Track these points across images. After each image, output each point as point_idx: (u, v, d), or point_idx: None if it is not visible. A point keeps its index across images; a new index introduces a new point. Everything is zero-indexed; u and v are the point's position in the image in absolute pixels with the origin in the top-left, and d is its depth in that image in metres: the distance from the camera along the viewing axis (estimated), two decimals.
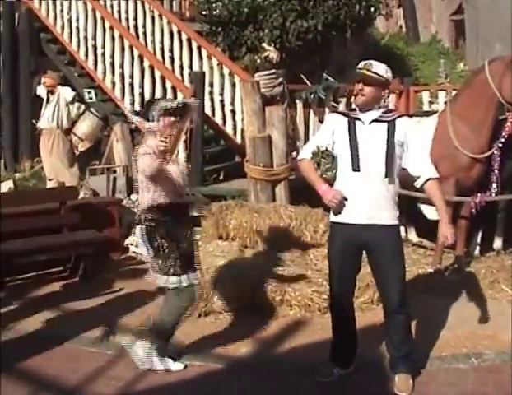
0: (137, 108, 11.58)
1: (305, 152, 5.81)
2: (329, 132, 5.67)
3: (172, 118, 5.85)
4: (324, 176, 5.79)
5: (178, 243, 5.95)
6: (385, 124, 5.50)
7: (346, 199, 5.51)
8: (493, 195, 8.30)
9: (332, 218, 5.70)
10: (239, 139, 11.34)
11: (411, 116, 7.01)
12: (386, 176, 5.47)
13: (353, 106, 5.73)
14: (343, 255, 5.60)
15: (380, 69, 5.52)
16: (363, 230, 5.50)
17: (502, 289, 7.89)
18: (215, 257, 7.72)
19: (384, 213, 5.50)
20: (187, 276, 5.98)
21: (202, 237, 8.52)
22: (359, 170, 5.48)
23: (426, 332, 6.79)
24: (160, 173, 5.73)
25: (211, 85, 11.76)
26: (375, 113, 5.53)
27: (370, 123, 5.52)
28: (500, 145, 8.11)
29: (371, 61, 5.58)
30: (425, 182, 5.61)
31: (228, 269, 7.51)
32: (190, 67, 12.26)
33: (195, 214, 7.70)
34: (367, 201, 5.48)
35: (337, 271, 5.72)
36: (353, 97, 5.67)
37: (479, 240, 9.09)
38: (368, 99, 5.55)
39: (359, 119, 5.55)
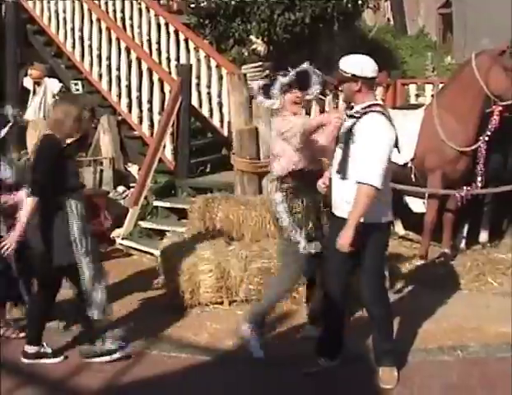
0: (124, 100, 11.54)
1: None
2: None
3: (294, 92, 6.04)
4: None
5: (311, 209, 6.11)
6: (353, 120, 5.45)
7: None
8: (479, 188, 8.30)
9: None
10: (226, 131, 11.30)
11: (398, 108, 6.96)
12: (339, 172, 5.48)
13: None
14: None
15: (344, 65, 5.46)
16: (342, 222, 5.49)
17: (488, 281, 7.93)
18: (201, 250, 7.68)
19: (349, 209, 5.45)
20: (315, 244, 6.07)
21: (187, 230, 8.51)
22: (332, 166, 5.61)
23: (412, 324, 6.81)
24: (309, 135, 5.95)
25: (199, 77, 11.71)
26: (355, 109, 5.50)
27: (348, 117, 5.53)
28: (487, 138, 8.10)
29: (346, 57, 5.56)
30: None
31: (214, 261, 7.48)
32: (177, 59, 12.20)
33: None
34: (336, 195, 5.60)
35: (333, 264, 5.72)
36: None
37: (465, 233, 9.09)
38: (345, 94, 5.58)
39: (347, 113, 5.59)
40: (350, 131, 5.41)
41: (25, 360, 6.22)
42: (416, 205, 9.17)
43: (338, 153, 5.50)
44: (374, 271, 5.66)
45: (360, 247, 5.42)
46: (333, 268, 5.73)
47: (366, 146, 5.30)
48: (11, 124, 6.57)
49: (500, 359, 6.22)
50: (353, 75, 5.41)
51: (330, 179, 5.74)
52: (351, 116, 5.50)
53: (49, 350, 6.31)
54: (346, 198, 5.44)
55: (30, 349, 6.24)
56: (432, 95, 10.33)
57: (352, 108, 5.55)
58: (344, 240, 5.32)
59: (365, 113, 5.40)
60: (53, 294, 6.24)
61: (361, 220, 5.34)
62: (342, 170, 5.44)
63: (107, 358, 6.18)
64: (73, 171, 6.17)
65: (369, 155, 5.29)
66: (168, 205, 10.03)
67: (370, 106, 5.45)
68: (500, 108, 8.04)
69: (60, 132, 6.05)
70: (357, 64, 5.46)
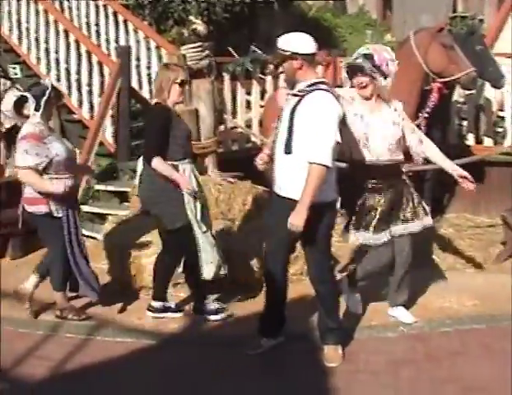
0: (64, 83, 11.36)
1: None
2: None
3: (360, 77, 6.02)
4: None
5: None
6: (296, 99, 5.45)
7: None
8: (420, 165, 8.33)
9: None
10: None
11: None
12: (285, 152, 5.46)
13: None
14: (279, 225, 5.53)
15: (283, 44, 5.47)
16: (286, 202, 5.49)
17: (430, 258, 7.99)
18: (144, 234, 7.63)
19: (295, 189, 5.41)
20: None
21: (130, 213, 8.45)
22: (275, 146, 5.59)
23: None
24: None
25: (138, 59, 11.56)
26: (300, 86, 5.49)
27: (292, 96, 5.51)
28: (426, 115, 8.15)
29: (284, 36, 5.54)
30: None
31: (158, 244, 7.40)
32: (116, 41, 12.05)
33: None
34: (280, 175, 5.57)
35: (274, 243, 5.72)
36: None
37: None
38: (286, 73, 5.57)
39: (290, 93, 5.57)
40: (294, 109, 5.41)
41: (151, 314, 6.75)
42: None
43: (282, 132, 5.48)
44: (320, 249, 5.67)
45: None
46: (274, 247, 5.73)
47: (315, 124, 5.30)
48: (49, 91, 6.46)
49: (444, 333, 6.31)
50: (293, 53, 5.40)
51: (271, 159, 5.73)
52: (294, 94, 5.48)
53: (173, 305, 6.86)
54: (291, 178, 5.43)
55: (156, 304, 6.75)
56: None
57: (294, 86, 5.55)
58: (297, 221, 5.30)
59: (310, 92, 5.40)
60: (177, 254, 6.70)
61: (294, 197, 5.38)
62: (288, 149, 5.42)
63: (217, 316, 6.68)
64: (184, 136, 6.49)
65: (318, 133, 5.28)
66: (109, 188, 9.90)
67: (315, 84, 5.45)
68: (439, 85, 8.10)
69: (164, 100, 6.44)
70: (296, 41, 5.47)
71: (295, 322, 6.17)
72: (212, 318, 6.66)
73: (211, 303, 6.76)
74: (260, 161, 5.91)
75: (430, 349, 6.02)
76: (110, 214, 8.92)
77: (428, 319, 6.54)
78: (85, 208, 9.59)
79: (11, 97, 10.94)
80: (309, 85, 5.42)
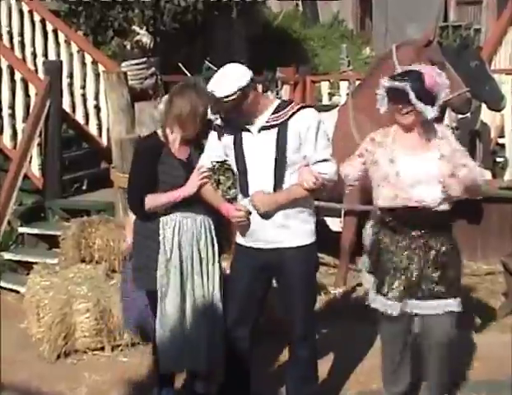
0: None
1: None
2: (220, 144, 5.60)
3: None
4: (227, 197, 5.65)
5: None
6: (275, 130, 5.43)
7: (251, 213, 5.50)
8: None
9: (238, 239, 5.69)
10: (105, 141, 11.18)
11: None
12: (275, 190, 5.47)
13: None
14: (248, 279, 5.58)
15: (222, 90, 5.31)
16: (264, 253, 5.51)
17: None
18: (76, 285, 7.58)
19: (284, 234, 5.48)
20: None
21: (60, 261, 8.38)
22: (248, 195, 5.50)
23: (332, 365, 6.83)
24: None
25: (71, 76, 11.56)
26: (264, 117, 5.45)
27: (259, 131, 5.46)
28: None
29: (212, 84, 5.40)
30: None
31: (92, 299, 7.37)
32: (45, 54, 12.04)
33: None
34: (264, 224, 5.49)
35: (238, 297, 5.68)
36: None
37: None
38: (243, 116, 5.51)
39: (246, 130, 5.48)
40: (278, 141, 5.40)
41: None
42: (335, 223, 9.22)
43: (263, 171, 5.45)
44: (307, 300, 5.66)
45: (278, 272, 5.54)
46: (241, 301, 5.68)
47: (317, 139, 5.45)
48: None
49: None
50: (241, 89, 5.34)
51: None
52: (262, 129, 5.44)
53: None
54: (278, 222, 5.47)
55: None
56: (347, 94, 10.43)
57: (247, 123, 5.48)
58: (267, 205, 5.42)
59: (290, 117, 5.42)
60: None
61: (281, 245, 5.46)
62: (279, 184, 5.44)
63: None
64: None
65: (327, 151, 5.51)
66: (36, 231, 9.86)
67: (288, 103, 5.62)
68: None
69: None
70: (234, 77, 5.36)
71: (260, 388, 6.13)
72: None
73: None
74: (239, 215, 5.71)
75: None
76: (36, 262, 8.81)
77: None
78: (6, 256, 9.52)
79: None
80: (279, 108, 5.45)
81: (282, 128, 5.41)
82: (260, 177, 5.45)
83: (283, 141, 5.40)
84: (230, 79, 5.32)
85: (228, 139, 5.52)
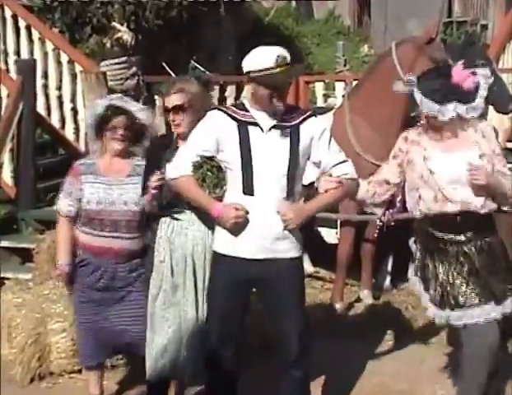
0: None
1: (181, 167, 5.59)
2: (212, 137, 5.52)
3: None
4: (213, 196, 5.60)
5: None
6: (287, 131, 5.47)
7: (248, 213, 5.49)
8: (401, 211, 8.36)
9: (218, 248, 5.64)
10: (82, 146, 11.16)
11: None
12: (288, 199, 5.48)
13: (244, 101, 5.69)
14: (229, 293, 5.54)
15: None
16: (254, 264, 5.48)
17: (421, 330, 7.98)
18: (51, 303, 7.54)
19: (284, 244, 5.50)
20: None
21: (34, 276, 8.35)
22: (252, 194, 5.45)
23: (326, 385, 6.82)
24: None
25: (46, 76, 11.56)
26: (275, 116, 5.46)
27: (270, 129, 5.46)
28: None
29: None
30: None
31: (69, 318, 7.32)
32: (17, 53, 12.03)
33: None
34: (261, 231, 5.46)
35: (219, 313, 5.65)
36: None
37: (390, 268, 9.17)
38: (259, 102, 5.52)
39: (255, 124, 5.48)
40: (291, 144, 5.46)
41: None
42: (330, 234, 9.20)
43: (275, 174, 5.46)
44: (302, 318, 5.66)
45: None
46: (223, 318, 5.64)
47: (332, 147, 5.64)
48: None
49: None
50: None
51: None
52: (273, 127, 5.45)
53: None
54: (276, 230, 5.48)
55: None
56: (344, 96, 10.42)
57: (245, 108, 5.52)
58: (299, 218, 5.49)
59: (302, 121, 5.51)
60: None
61: (278, 255, 5.48)
62: (291, 193, 5.50)
63: None
64: None
65: (342, 153, 5.70)
66: (8, 244, 9.84)
67: (294, 108, 5.82)
68: None
69: None
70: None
71: None
72: None
73: None
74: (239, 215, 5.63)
75: None
76: (8, 278, 8.82)
77: None
78: None
79: None
80: (288, 111, 5.53)
81: (294, 131, 5.47)
82: (270, 178, 5.44)
83: (297, 143, 5.46)
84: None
85: (227, 132, 5.49)
